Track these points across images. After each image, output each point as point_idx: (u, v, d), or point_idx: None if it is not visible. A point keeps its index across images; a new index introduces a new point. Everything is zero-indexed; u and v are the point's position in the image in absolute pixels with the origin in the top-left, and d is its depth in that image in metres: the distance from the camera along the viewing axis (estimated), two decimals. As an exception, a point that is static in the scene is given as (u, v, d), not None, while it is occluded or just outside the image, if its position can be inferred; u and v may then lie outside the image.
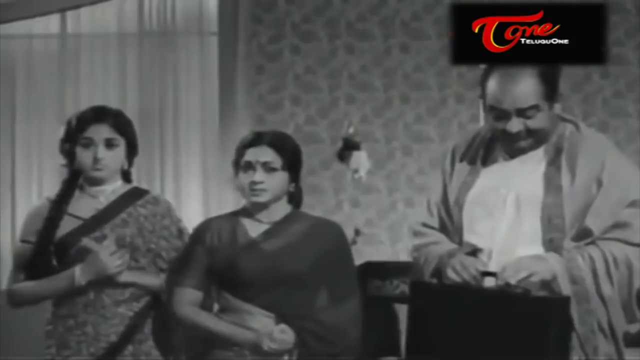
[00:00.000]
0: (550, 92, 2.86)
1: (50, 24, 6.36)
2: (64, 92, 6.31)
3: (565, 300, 2.76)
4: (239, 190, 3.18)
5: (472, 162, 3.01)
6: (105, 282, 3.21)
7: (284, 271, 3.08)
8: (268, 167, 3.11)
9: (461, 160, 3.03)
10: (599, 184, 2.84)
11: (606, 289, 2.80)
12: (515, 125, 2.85)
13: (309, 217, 3.23)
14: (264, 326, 3.06)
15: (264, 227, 3.16)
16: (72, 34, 6.35)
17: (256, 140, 3.15)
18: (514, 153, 2.93)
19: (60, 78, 6.33)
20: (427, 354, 2.85)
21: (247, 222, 3.18)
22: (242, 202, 3.25)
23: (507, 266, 2.77)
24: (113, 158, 3.29)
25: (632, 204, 2.83)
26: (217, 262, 3.13)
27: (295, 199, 3.21)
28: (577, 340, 2.79)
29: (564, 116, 2.96)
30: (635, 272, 2.82)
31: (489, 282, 2.82)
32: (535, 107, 2.83)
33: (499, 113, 2.86)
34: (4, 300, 3.36)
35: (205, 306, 3.17)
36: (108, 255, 3.19)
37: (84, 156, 3.27)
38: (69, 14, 6.34)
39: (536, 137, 2.89)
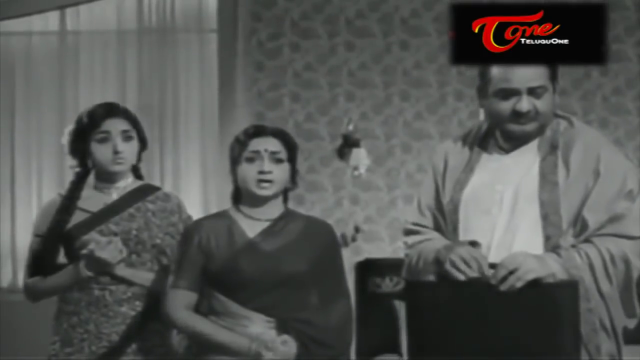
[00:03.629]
0: (554, 74, 2.89)
1: (49, 21, 6.37)
2: (63, 90, 6.32)
3: (575, 284, 2.74)
4: (241, 184, 3.06)
5: (465, 160, 3.00)
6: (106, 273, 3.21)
7: (285, 272, 3.00)
8: (275, 158, 3.04)
9: (454, 159, 3.02)
10: (597, 175, 2.83)
11: (605, 286, 2.79)
12: (525, 104, 2.85)
13: (302, 216, 3.17)
14: (263, 332, 2.98)
15: (260, 226, 3.07)
16: (71, 31, 6.36)
17: (260, 131, 3.08)
18: (517, 141, 2.91)
19: (60, 75, 6.33)
20: (431, 353, 2.80)
21: (241, 221, 3.08)
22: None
23: (505, 261, 2.75)
24: (130, 151, 3.28)
25: (629, 194, 2.83)
26: (215, 263, 3.03)
27: (287, 196, 3.14)
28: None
29: (558, 112, 2.97)
30: (632, 266, 2.81)
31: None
32: (544, 87, 2.85)
33: (508, 93, 2.85)
34: (7, 296, 3.36)
35: (199, 308, 3.06)
36: (103, 248, 3.17)
37: (101, 151, 3.25)
38: (68, 11, 6.35)
39: (540, 122, 2.88)
